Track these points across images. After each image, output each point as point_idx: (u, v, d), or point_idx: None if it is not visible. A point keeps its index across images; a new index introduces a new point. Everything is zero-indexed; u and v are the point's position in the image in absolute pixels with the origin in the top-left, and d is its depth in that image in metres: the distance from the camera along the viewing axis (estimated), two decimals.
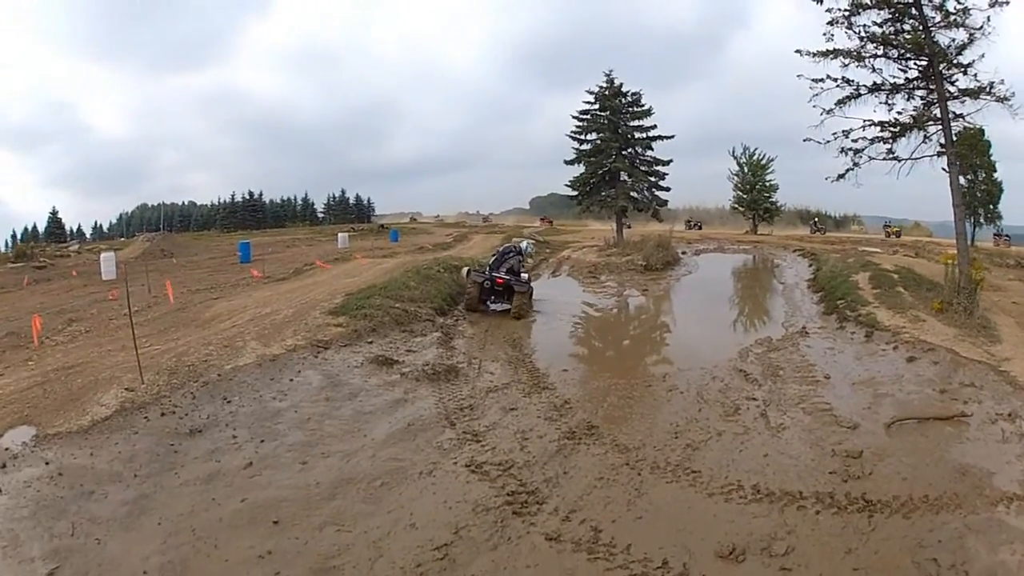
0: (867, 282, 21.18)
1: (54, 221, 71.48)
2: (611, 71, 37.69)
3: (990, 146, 30.61)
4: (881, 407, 11.07)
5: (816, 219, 54.05)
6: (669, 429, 10.38)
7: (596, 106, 37.99)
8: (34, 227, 71.18)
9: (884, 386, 12.12)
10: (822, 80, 19.06)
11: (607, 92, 37.62)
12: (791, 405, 11.36)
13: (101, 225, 77.27)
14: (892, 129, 19.05)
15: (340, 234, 47.87)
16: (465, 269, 23.65)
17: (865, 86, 19.05)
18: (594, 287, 25.98)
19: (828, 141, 19.46)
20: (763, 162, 50.77)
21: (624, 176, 37.75)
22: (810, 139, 19.59)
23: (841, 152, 19.49)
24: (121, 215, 78.34)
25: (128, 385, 10.78)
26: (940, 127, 18.52)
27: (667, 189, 38.52)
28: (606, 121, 37.48)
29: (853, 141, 19.34)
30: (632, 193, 37.87)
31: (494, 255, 21.72)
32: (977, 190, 39.80)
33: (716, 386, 12.54)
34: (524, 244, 23.80)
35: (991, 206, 41.09)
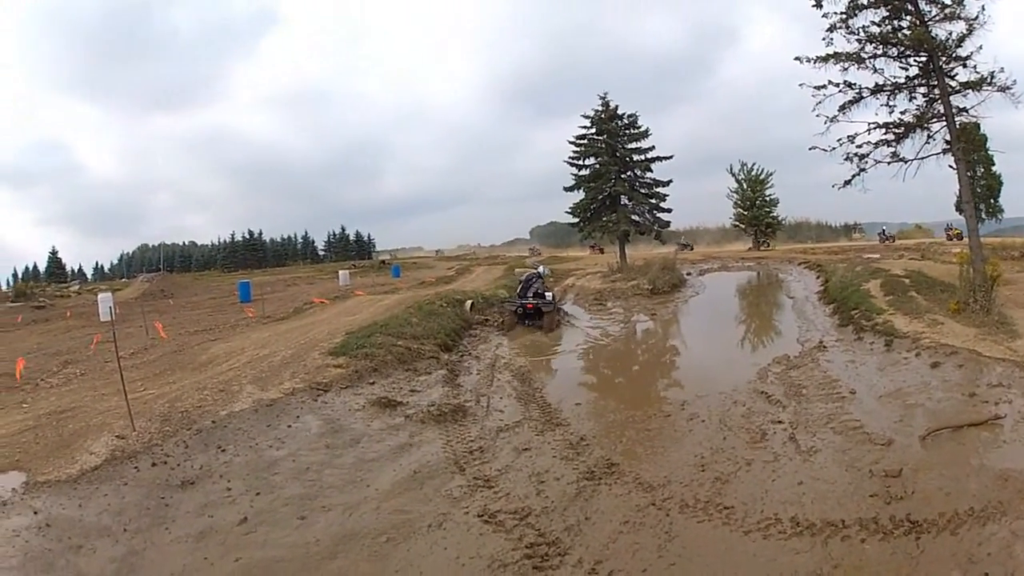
0: (879, 289, 20.79)
1: (54, 261, 71.33)
2: (606, 93, 37.42)
3: (986, 140, 30.57)
4: (913, 419, 10.61)
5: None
6: (694, 462, 9.74)
7: (592, 130, 37.59)
8: (35, 267, 71.05)
9: (912, 396, 11.65)
10: (824, 86, 18.91)
11: (603, 115, 37.24)
12: (820, 425, 10.82)
13: (102, 265, 77.31)
14: (896, 130, 18.83)
15: (341, 272, 47.36)
16: (468, 303, 23.62)
17: (867, 88, 18.88)
18: (601, 314, 25.38)
19: (833, 148, 19.31)
20: (762, 177, 50.71)
21: (624, 200, 37.27)
22: (816, 147, 19.45)
23: (846, 159, 19.28)
24: (122, 255, 78.33)
25: (119, 432, 10.28)
26: (944, 123, 18.29)
27: (668, 211, 38.09)
28: (603, 145, 37.01)
29: (858, 147, 19.13)
30: (633, 216, 37.35)
31: (520, 284, 24.42)
32: (977, 185, 38.68)
33: (738, 411, 11.96)
34: (541, 269, 26.01)
35: (992, 200, 40.68)
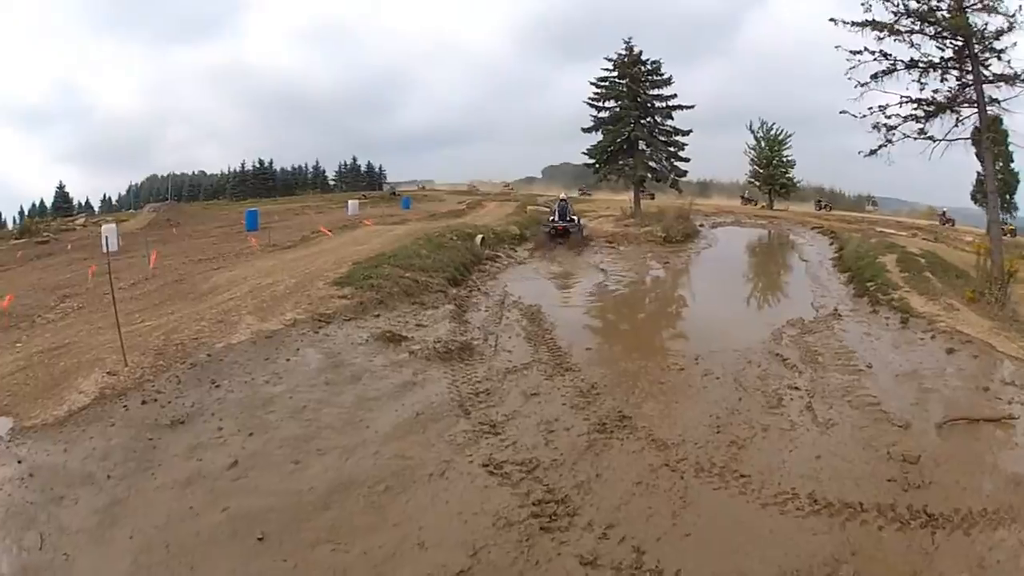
0: (894, 265, 20.30)
1: (61, 195, 70.52)
2: (630, 38, 36.49)
3: (1007, 136, 29.92)
4: (929, 404, 10.18)
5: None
6: (709, 422, 9.29)
7: (615, 73, 36.70)
8: (41, 202, 70.22)
9: (928, 380, 11.17)
10: (860, 52, 18.80)
11: (626, 60, 36.36)
12: (837, 397, 10.33)
13: (110, 197, 76.18)
14: (927, 107, 18.78)
15: (350, 201, 46.05)
16: (479, 237, 23.30)
17: (902, 61, 18.75)
18: (613, 258, 24.85)
19: (864, 116, 19.29)
20: (780, 137, 49.87)
21: (642, 145, 36.61)
22: (846, 112, 19.41)
23: (874, 128, 19.30)
24: (130, 187, 77.27)
25: (111, 368, 9.82)
26: (976, 110, 18.23)
27: (686, 160, 37.36)
28: (625, 89, 36.20)
29: (887, 117, 19.11)
30: (650, 163, 36.77)
31: (553, 209, 29.55)
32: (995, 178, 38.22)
33: (754, 372, 11.49)
34: (563, 195, 30.95)
35: (1007, 196, 39.70)
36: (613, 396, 10.17)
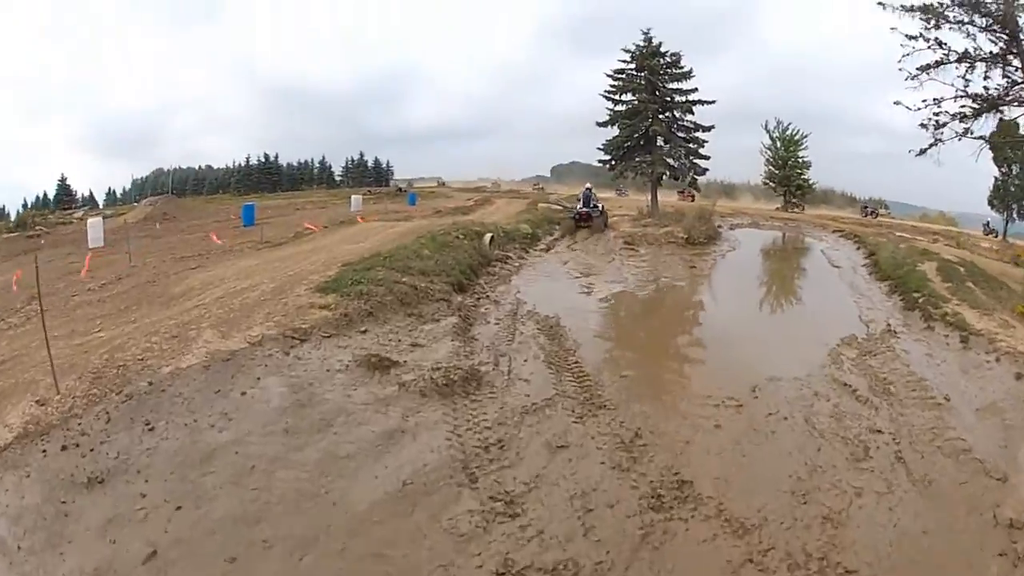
0: (935, 273, 18.82)
1: (63, 188, 69.12)
2: (649, 29, 34.05)
3: None
4: (1017, 446, 8.84)
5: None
6: (790, 486, 7.43)
7: (632, 66, 34.35)
8: (44, 195, 68.97)
9: (1007, 414, 9.82)
10: (916, 37, 19.08)
11: (644, 51, 33.99)
12: (926, 443, 8.71)
13: (114, 191, 74.85)
14: (979, 104, 19.15)
15: (353, 197, 44.05)
16: (488, 236, 21.16)
17: (955, 52, 18.91)
18: (634, 261, 22.67)
19: (918, 108, 19.72)
20: (796, 137, 47.76)
21: (661, 141, 34.39)
22: (899, 102, 19.95)
23: (921, 126, 19.82)
24: (134, 180, 76.01)
25: (42, 395, 8.25)
26: None
27: (707, 157, 35.00)
28: (644, 82, 33.92)
29: (935, 114, 19.57)
30: (669, 159, 34.49)
31: (579, 197, 31.27)
32: (1012, 184, 37.52)
33: (824, 408, 9.73)
34: (588, 185, 31.75)
35: None
36: (663, 446, 8.15)
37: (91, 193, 70.45)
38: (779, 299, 18.72)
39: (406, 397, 8.95)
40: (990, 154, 19.04)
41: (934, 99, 18.89)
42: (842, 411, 9.67)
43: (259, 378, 8.91)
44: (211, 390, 8.42)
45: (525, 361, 11.08)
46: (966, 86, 18.73)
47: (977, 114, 18.70)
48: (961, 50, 18.42)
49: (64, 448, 6.97)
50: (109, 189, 74.05)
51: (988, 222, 39.43)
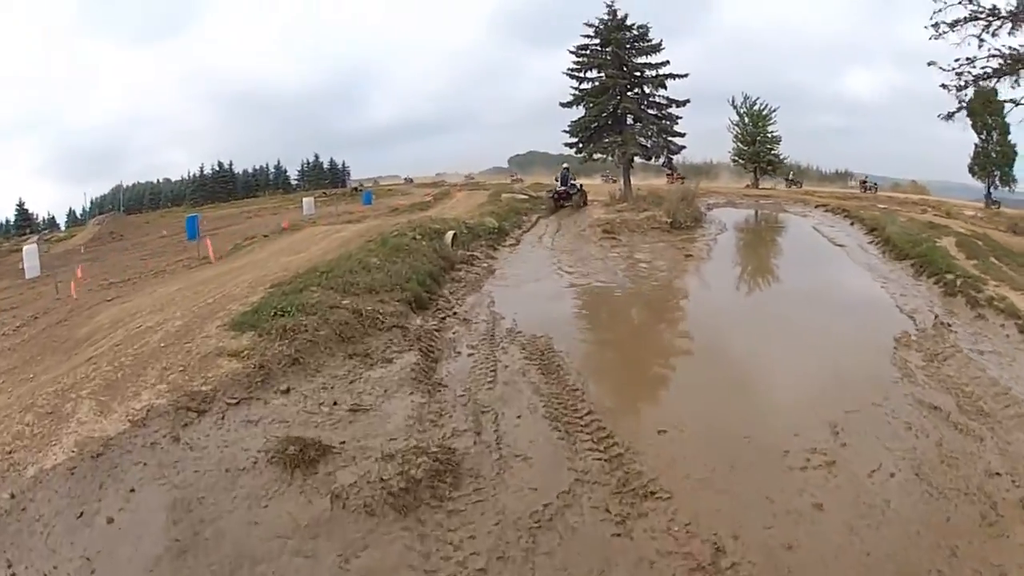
0: (956, 249, 17.64)
1: (21, 213, 65.73)
2: (613, 1, 31.54)
3: (1003, 107, 28.22)
4: None
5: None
6: None
7: (596, 41, 31.91)
8: (6, 221, 65.70)
9: None
10: None
11: (609, 24, 31.59)
12: None
13: (74, 212, 71.72)
14: (1011, 62, 19.37)
15: (305, 199, 41.72)
16: (450, 234, 18.71)
17: (986, 8, 19.10)
18: (619, 251, 20.24)
19: (951, 68, 20.04)
20: (765, 113, 46.79)
21: (631, 120, 31.97)
22: (934, 63, 20.29)
23: (943, 87, 20.46)
24: (92, 200, 72.98)
25: None
26: None
27: (681, 135, 32.61)
28: (610, 57, 31.49)
29: (958, 75, 20.01)
30: (640, 139, 32.01)
31: (557, 177, 31.72)
32: (992, 151, 37.70)
33: (926, 447, 7.63)
34: (566, 165, 32.27)
35: (1007, 168, 38.34)
36: (762, 566, 5.52)
37: (51, 216, 67.28)
38: (798, 289, 16.23)
39: (344, 520, 6.03)
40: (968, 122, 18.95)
41: (967, 58, 19.33)
42: (946, 449, 7.59)
43: (133, 489, 6.13)
44: (73, 511, 5.75)
45: (518, 419, 8.21)
46: (980, 46, 19.49)
47: (999, 74, 19.16)
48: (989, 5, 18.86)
49: None
50: (70, 211, 70.82)
51: (990, 192, 38.83)
